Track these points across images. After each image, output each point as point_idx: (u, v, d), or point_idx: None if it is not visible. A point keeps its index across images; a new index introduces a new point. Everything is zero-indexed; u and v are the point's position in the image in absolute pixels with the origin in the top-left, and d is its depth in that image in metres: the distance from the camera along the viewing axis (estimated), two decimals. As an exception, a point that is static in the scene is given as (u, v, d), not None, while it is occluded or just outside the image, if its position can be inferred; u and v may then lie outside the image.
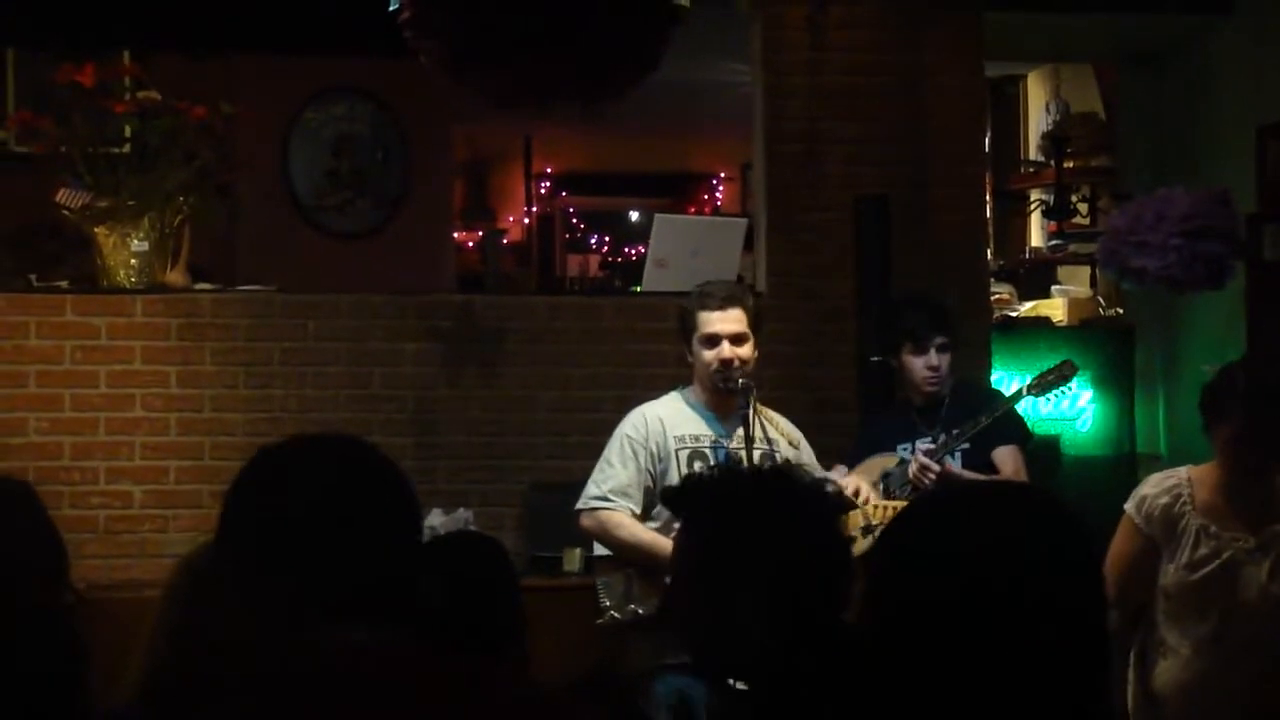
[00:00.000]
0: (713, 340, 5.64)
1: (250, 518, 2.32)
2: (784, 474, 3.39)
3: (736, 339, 5.64)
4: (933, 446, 6.07)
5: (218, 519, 2.33)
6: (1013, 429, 6.23)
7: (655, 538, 5.43)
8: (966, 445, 6.13)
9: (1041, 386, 6.03)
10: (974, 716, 1.89)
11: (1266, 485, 4.75)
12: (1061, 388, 6.05)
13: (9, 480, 2.52)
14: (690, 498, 3.27)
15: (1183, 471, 4.89)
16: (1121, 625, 4.82)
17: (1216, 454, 4.77)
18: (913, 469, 5.97)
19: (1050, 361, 6.30)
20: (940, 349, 6.21)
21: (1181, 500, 4.78)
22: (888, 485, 6.10)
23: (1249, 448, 4.65)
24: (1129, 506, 4.86)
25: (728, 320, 5.64)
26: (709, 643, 3.08)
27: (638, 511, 5.64)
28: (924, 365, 6.21)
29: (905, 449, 6.23)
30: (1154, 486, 4.87)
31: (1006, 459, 6.12)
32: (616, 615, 5.51)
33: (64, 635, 2.50)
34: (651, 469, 5.67)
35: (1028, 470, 6.14)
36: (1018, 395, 6.28)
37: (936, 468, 5.91)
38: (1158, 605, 4.81)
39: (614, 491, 5.64)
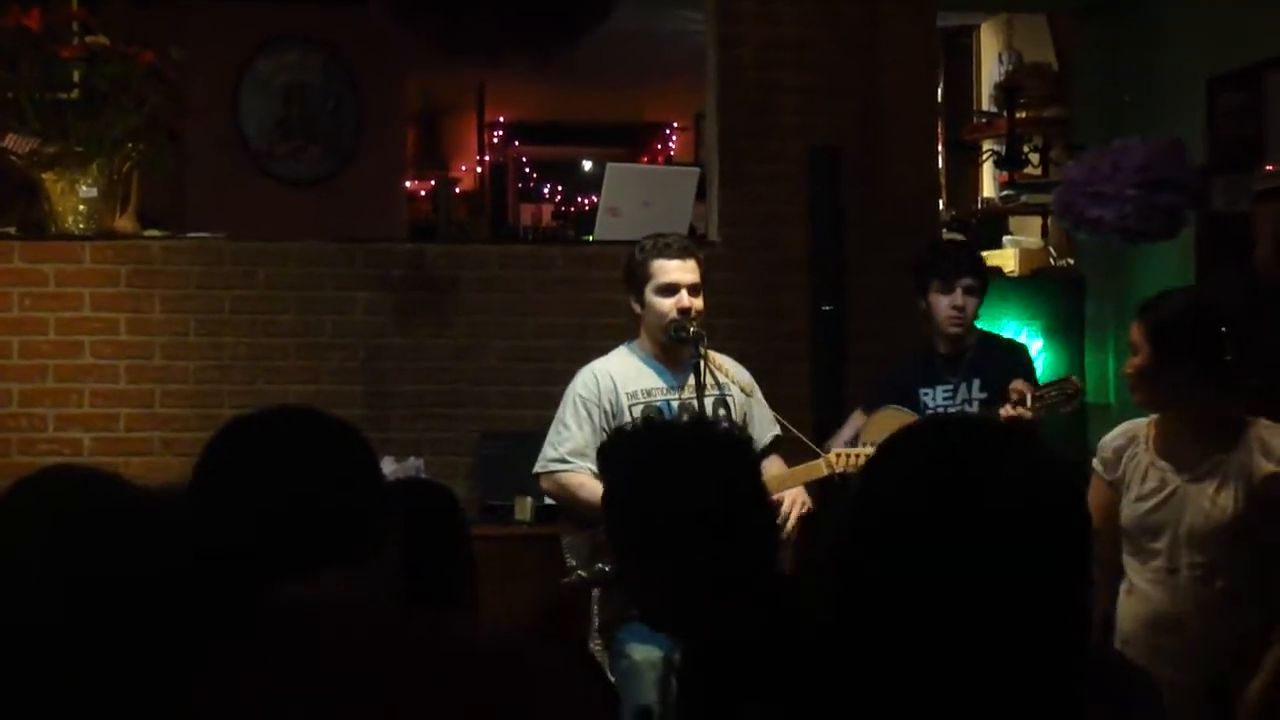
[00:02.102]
0: (671, 289, 5.63)
1: (222, 479, 2.34)
2: (700, 425, 3.37)
3: (693, 289, 5.64)
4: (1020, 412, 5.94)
5: (191, 482, 2.36)
6: (1030, 372, 6.25)
7: (616, 496, 5.42)
8: (985, 395, 6.16)
9: (1045, 406, 5.93)
10: (947, 664, 1.86)
11: (1208, 420, 4.79)
12: (1066, 407, 5.99)
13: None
14: (607, 457, 3.25)
15: (1142, 420, 4.94)
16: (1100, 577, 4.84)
17: None
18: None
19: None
20: (967, 290, 6.20)
21: (1135, 440, 4.85)
22: None
23: (1157, 380, 4.73)
24: (1095, 462, 4.91)
25: (686, 270, 5.64)
26: (642, 600, 3.07)
27: (596, 471, 5.63)
28: (949, 305, 6.18)
29: (927, 394, 6.25)
30: (1111, 435, 4.95)
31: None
32: (583, 574, 5.49)
33: None
34: (606, 426, 5.63)
35: None
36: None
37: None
38: (1123, 547, 4.86)
39: (572, 453, 5.63)
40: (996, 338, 6.69)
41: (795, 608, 2.92)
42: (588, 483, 5.56)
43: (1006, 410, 5.77)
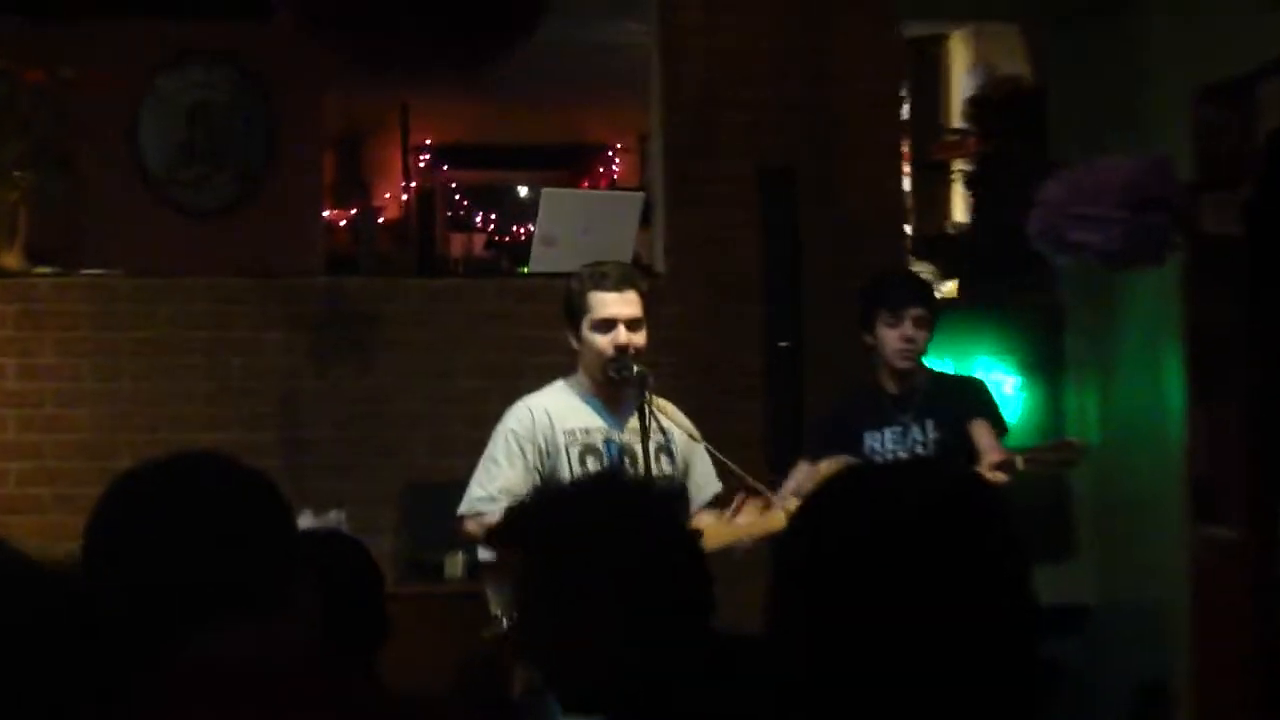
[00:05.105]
0: (608, 324, 5.60)
1: (117, 533, 2.35)
2: (610, 479, 3.34)
3: (633, 324, 5.62)
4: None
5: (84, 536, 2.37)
6: (990, 409, 6.33)
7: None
8: (938, 436, 6.21)
9: (1037, 463, 5.97)
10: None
11: None
12: (1061, 470, 6.02)
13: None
14: (517, 528, 3.20)
15: None
16: None
17: None
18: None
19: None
20: (917, 322, 6.25)
21: None
22: None
23: None
24: None
25: (624, 303, 5.61)
26: (567, 673, 3.06)
27: None
28: (899, 336, 6.23)
29: (875, 437, 6.27)
30: None
31: (983, 430, 6.19)
32: (508, 624, 5.48)
33: None
34: (540, 465, 5.61)
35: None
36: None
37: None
38: None
39: (502, 491, 5.57)
40: (948, 375, 6.74)
41: (737, 664, 2.93)
42: None
43: (987, 475, 5.81)
